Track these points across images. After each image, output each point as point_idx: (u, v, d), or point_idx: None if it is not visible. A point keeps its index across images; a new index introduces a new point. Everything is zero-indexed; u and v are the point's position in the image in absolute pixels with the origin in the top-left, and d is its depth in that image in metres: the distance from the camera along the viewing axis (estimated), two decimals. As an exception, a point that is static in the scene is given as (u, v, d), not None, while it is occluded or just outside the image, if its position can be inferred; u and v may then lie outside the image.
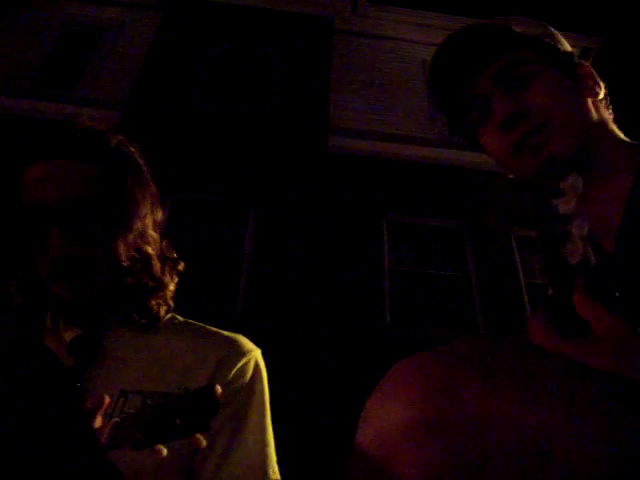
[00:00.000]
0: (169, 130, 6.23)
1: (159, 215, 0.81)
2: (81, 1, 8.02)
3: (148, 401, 0.64)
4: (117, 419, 0.52)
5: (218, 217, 5.88)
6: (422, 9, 8.43)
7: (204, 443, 0.52)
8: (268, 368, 0.79)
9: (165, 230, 0.82)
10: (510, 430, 0.39)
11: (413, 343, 4.82)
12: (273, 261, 5.40)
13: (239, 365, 0.74)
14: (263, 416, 0.75)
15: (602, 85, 0.69)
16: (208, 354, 0.73)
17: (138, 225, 0.75)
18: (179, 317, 0.83)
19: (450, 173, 6.71)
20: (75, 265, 0.68)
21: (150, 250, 0.76)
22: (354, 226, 6.03)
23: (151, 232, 0.78)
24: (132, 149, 0.79)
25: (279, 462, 0.74)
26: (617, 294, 0.40)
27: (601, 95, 0.68)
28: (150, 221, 0.78)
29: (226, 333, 0.79)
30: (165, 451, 0.51)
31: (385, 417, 0.44)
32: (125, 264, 0.71)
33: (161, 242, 0.80)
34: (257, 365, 0.76)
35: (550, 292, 0.44)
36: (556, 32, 0.72)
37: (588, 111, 0.66)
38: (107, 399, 0.55)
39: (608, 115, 0.69)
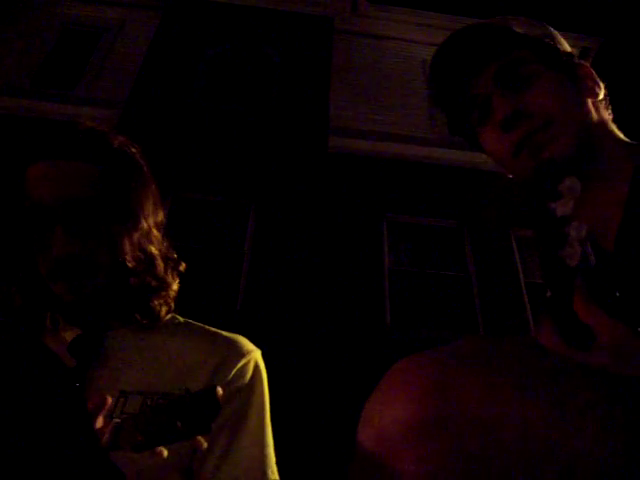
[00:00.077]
0: (169, 130, 6.23)
1: (161, 215, 0.81)
2: (81, 1, 8.02)
3: (148, 402, 0.64)
4: (118, 420, 0.52)
5: (218, 217, 5.88)
6: (422, 9, 8.43)
7: (205, 445, 0.52)
8: (268, 368, 0.79)
9: (166, 230, 0.82)
10: (509, 430, 0.39)
11: (413, 343, 4.82)
12: (273, 261, 5.40)
13: (239, 366, 0.74)
14: (263, 417, 0.75)
15: (602, 85, 0.69)
16: (208, 355, 0.73)
17: (143, 225, 0.75)
18: (179, 317, 0.83)
19: (450, 173, 6.71)
20: (77, 265, 0.68)
21: (154, 250, 0.76)
22: (354, 226, 6.03)
23: (155, 232, 0.78)
24: (134, 150, 0.79)
25: (279, 462, 0.74)
26: (617, 294, 0.40)
27: (601, 96, 0.68)
28: (153, 221, 0.78)
29: (226, 334, 0.79)
30: (166, 453, 0.51)
31: (385, 417, 0.44)
32: (130, 265, 0.72)
33: (163, 242, 0.80)
34: (257, 366, 0.77)
35: (549, 294, 0.44)
36: (556, 32, 0.72)
37: (588, 111, 0.66)
38: (109, 400, 0.55)
39: (607, 115, 0.69)
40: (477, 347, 0.46)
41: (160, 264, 0.77)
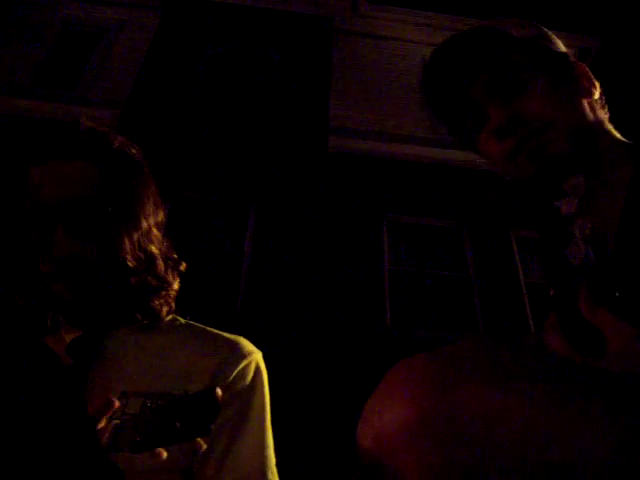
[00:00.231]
0: (169, 130, 6.23)
1: (161, 215, 0.82)
2: (81, 1, 8.02)
3: (148, 403, 0.64)
4: (117, 421, 0.52)
5: (218, 217, 5.88)
6: (422, 9, 8.43)
7: (204, 446, 0.52)
8: (268, 368, 0.79)
9: (166, 230, 0.83)
10: (509, 430, 0.39)
11: (413, 343, 4.82)
12: (273, 261, 5.40)
13: (240, 367, 0.74)
14: (263, 418, 0.75)
15: (597, 85, 0.69)
16: (209, 356, 0.73)
17: (144, 225, 0.75)
18: (180, 319, 0.83)
19: (450, 173, 6.71)
20: (77, 265, 0.68)
21: (155, 250, 0.76)
22: (354, 226, 6.03)
23: (155, 232, 0.78)
24: (134, 150, 0.79)
25: (279, 464, 0.74)
26: (617, 294, 0.40)
27: (596, 95, 0.68)
28: (153, 221, 0.78)
29: (227, 335, 0.79)
30: (165, 454, 0.51)
31: (385, 417, 0.44)
32: (131, 264, 0.72)
33: (164, 242, 0.80)
34: (258, 367, 0.76)
35: (552, 293, 0.44)
36: (550, 33, 0.71)
37: (584, 112, 0.66)
38: (117, 403, 0.55)
39: (604, 115, 0.69)
40: (476, 349, 0.46)
41: (160, 264, 0.77)
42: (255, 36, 7.63)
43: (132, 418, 0.51)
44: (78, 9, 7.96)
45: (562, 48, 0.71)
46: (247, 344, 0.78)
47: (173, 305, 0.80)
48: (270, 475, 0.71)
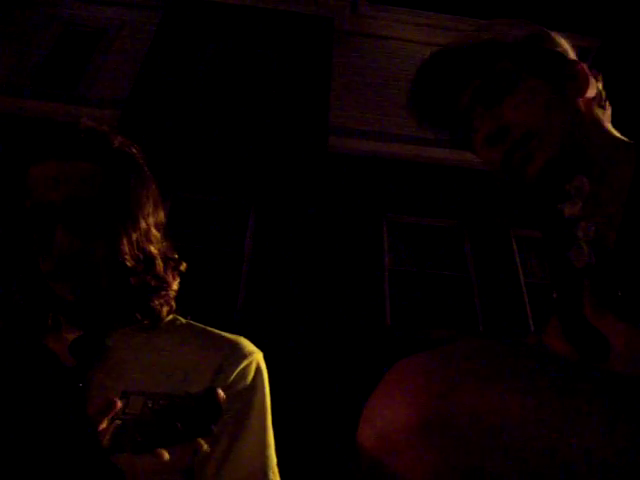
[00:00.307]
0: (169, 130, 6.23)
1: (161, 215, 0.82)
2: (81, 1, 8.02)
3: (149, 403, 0.64)
4: (118, 421, 0.52)
5: (218, 217, 5.88)
6: (422, 9, 8.43)
7: (206, 447, 0.52)
8: (268, 368, 0.79)
9: (166, 230, 0.82)
10: (510, 430, 0.39)
11: (413, 343, 4.82)
12: (273, 261, 5.40)
13: (240, 367, 0.74)
14: (264, 418, 0.75)
15: (593, 83, 0.67)
16: (210, 356, 0.73)
17: (142, 225, 0.75)
18: (181, 319, 0.83)
19: (450, 173, 6.71)
20: (79, 265, 0.68)
21: (154, 250, 0.76)
22: (354, 226, 6.03)
23: (154, 232, 0.78)
24: (134, 150, 0.79)
25: (280, 464, 0.74)
26: (619, 294, 0.40)
27: (592, 93, 0.67)
28: (153, 221, 0.78)
29: (228, 335, 0.79)
30: (166, 455, 0.51)
31: (386, 417, 0.44)
32: (129, 264, 0.72)
33: (163, 242, 0.80)
34: (259, 368, 0.77)
35: (555, 295, 0.43)
36: (547, 30, 0.70)
37: (575, 113, 0.64)
38: (119, 403, 0.55)
39: (601, 113, 0.68)
40: (478, 348, 0.46)
41: (159, 264, 0.77)
42: (255, 36, 7.63)
43: (133, 418, 0.51)
44: (78, 9, 7.95)
45: (563, 45, 0.70)
46: (248, 344, 0.78)
47: (174, 305, 0.80)
48: (271, 475, 0.71)
